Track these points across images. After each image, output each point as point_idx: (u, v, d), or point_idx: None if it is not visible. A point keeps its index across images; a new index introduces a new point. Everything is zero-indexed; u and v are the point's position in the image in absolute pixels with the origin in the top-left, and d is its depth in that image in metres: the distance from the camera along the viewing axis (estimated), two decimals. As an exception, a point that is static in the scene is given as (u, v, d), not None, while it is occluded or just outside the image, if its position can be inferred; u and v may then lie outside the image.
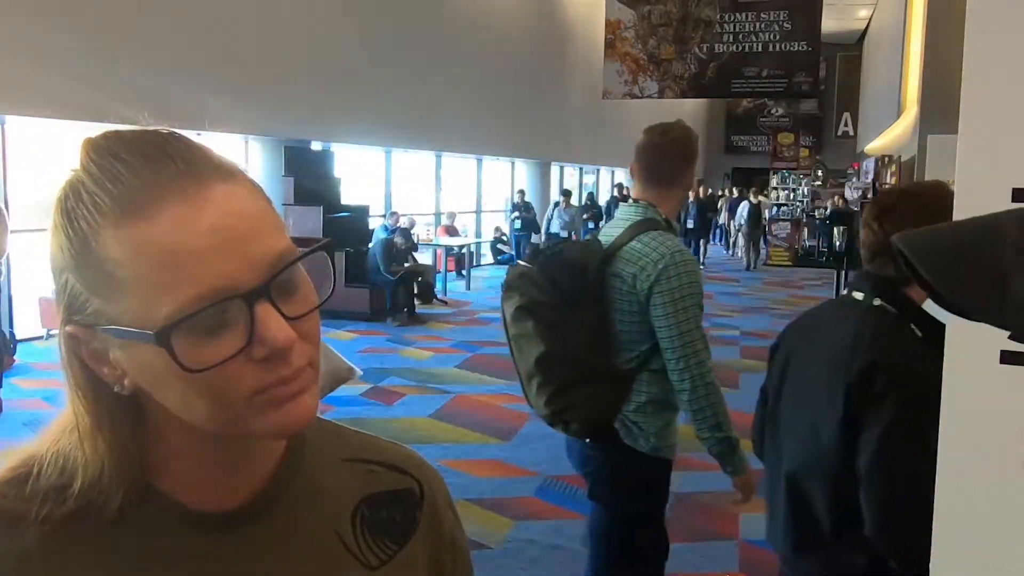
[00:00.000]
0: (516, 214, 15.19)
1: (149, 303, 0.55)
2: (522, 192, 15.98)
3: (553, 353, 2.16)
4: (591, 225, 16.47)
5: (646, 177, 2.34)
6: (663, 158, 2.33)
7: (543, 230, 14.63)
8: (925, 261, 0.35)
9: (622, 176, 22.72)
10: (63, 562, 0.62)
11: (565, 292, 2.19)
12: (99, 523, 0.62)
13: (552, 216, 14.14)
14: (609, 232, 2.33)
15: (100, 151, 0.59)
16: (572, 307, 2.18)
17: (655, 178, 2.33)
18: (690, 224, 15.79)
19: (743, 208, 17.93)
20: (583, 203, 17.66)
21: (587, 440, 2.32)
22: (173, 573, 0.64)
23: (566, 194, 14.57)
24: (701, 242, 17.23)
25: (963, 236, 0.35)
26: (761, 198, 19.29)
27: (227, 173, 0.60)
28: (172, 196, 0.56)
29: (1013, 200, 1.70)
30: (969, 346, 1.78)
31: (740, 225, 18.05)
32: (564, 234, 13.84)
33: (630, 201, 2.36)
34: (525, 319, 2.18)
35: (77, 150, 0.60)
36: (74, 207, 0.58)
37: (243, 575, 0.66)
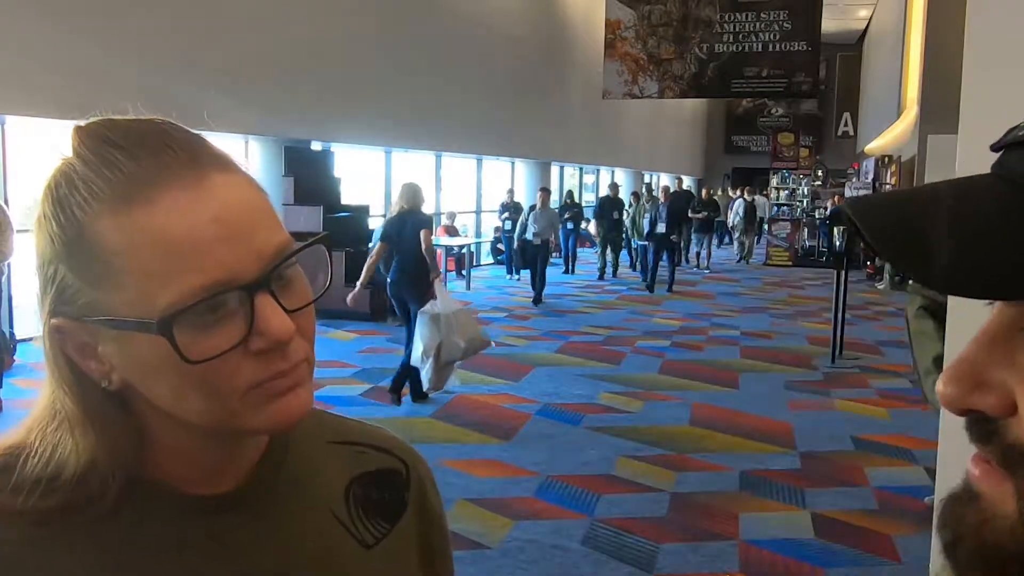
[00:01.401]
0: (506, 215, 14.66)
1: (147, 293, 0.54)
2: (511, 192, 15.61)
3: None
4: (570, 226, 15.11)
5: None
6: None
7: (517, 235, 12.80)
8: (865, 221, 0.37)
9: (622, 176, 22.73)
10: (54, 554, 0.60)
11: None
12: (91, 514, 0.60)
13: (528, 220, 12.28)
14: None
15: (94, 138, 0.57)
16: None
17: None
18: (661, 228, 12.93)
19: (738, 206, 19.52)
20: (562, 203, 15.93)
21: None
22: (169, 558, 0.63)
23: (544, 192, 12.56)
24: (665, 251, 13.38)
25: (903, 200, 0.38)
26: (756, 196, 20.72)
27: (225, 164, 0.59)
28: (172, 184, 0.55)
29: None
30: (969, 340, 1.78)
31: (735, 222, 19.43)
32: (538, 241, 11.90)
33: None
34: (926, 319, 2.36)
35: (67, 137, 0.58)
36: (66, 195, 0.56)
37: (242, 556, 0.65)
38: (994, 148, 0.40)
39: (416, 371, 5.96)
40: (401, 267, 6.30)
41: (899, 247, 0.37)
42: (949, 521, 0.40)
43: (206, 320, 0.55)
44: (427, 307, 5.71)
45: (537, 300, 11.68)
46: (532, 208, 12.58)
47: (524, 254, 12.56)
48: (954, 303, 1.97)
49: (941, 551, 0.40)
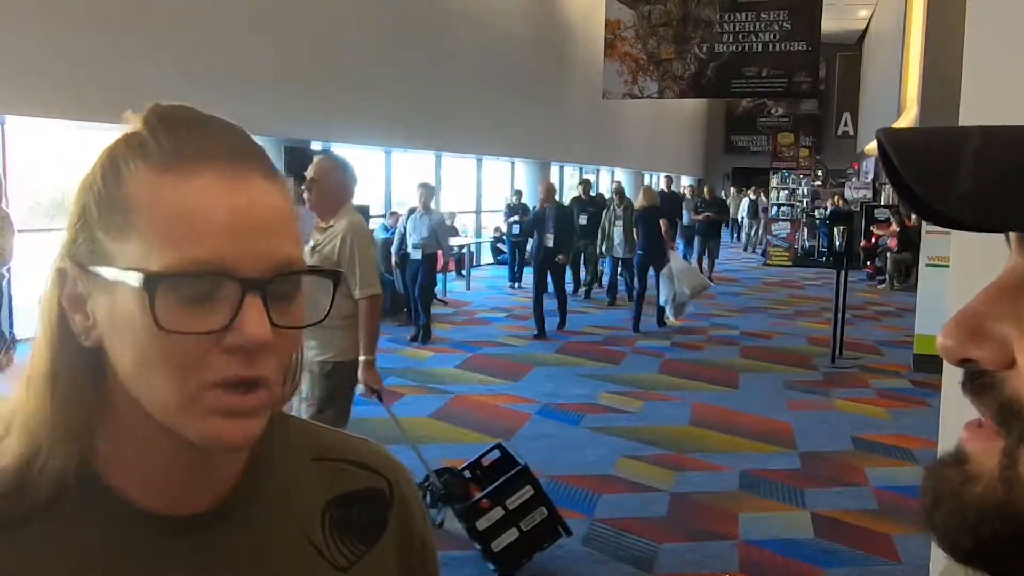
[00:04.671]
0: (515, 218, 13.27)
1: (150, 251, 0.56)
2: (519, 193, 15.10)
3: None
4: (515, 230, 12.96)
5: None
6: None
7: (394, 248, 9.64)
8: (894, 142, 0.38)
9: (622, 176, 22.72)
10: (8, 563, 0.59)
11: None
12: (34, 505, 0.59)
13: (407, 227, 9.06)
14: None
15: (167, 110, 0.61)
16: None
17: None
18: (549, 242, 9.66)
19: (744, 204, 22.43)
20: (509, 203, 13.78)
21: None
22: None
23: (425, 191, 8.85)
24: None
25: (933, 132, 0.39)
26: (761, 195, 22.69)
27: (270, 174, 0.62)
28: (213, 167, 0.58)
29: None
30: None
31: (742, 218, 22.56)
32: (418, 255, 8.76)
33: None
34: None
35: (143, 112, 0.62)
36: (123, 152, 0.59)
37: None
38: None
39: (661, 309, 9.62)
40: (648, 244, 9.65)
41: (924, 168, 0.37)
42: (931, 483, 0.39)
43: (193, 297, 0.56)
44: (664, 269, 9.24)
45: (424, 337, 8.78)
46: (411, 211, 9.23)
47: (403, 273, 9.38)
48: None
49: (922, 517, 0.39)
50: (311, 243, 3.62)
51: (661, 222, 9.64)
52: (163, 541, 0.63)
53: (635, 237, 10.37)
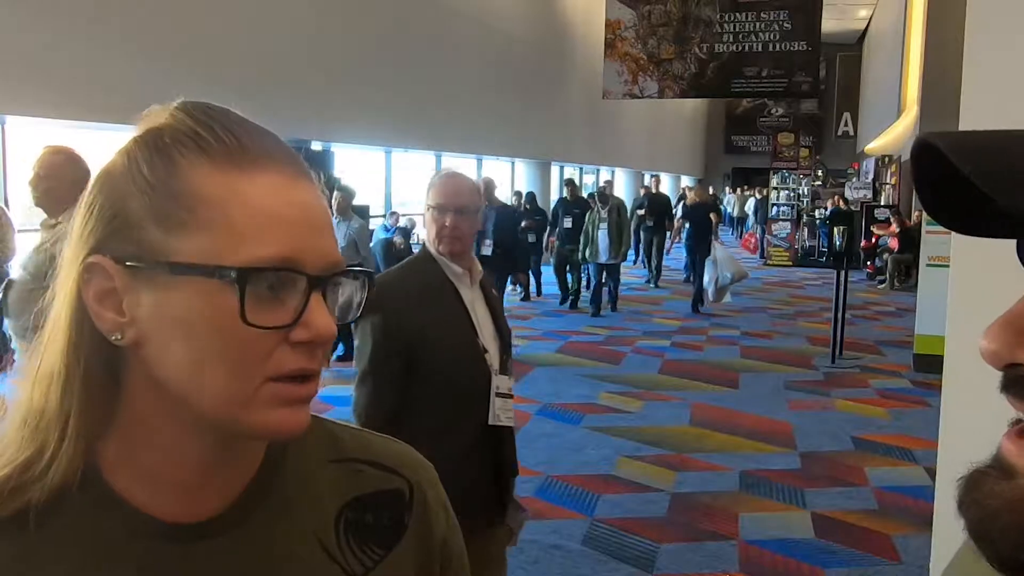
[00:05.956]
0: (525, 224, 11.48)
1: (226, 245, 0.55)
2: (518, 194, 14.17)
3: None
4: (531, 238, 11.45)
5: None
6: None
7: None
8: (951, 148, 0.37)
9: (622, 176, 22.72)
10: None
11: None
12: (34, 508, 0.58)
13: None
14: None
15: (214, 108, 0.61)
16: None
17: None
18: (487, 249, 8.53)
19: (751, 203, 23.91)
20: (523, 204, 12.31)
21: None
22: None
23: (343, 194, 7.81)
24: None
25: (979, 136, 0.39)
26: (764, 194, 23.60)
27: (315, 182, 0.63)
28: (273, 167, 0.59)
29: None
30: (970, 340, 1.78)
31: (748, 217, 23.91)
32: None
33: None
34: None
35: (173, 106, 0.61)
36: (169, 143, 0.58)
37: None
38: None
39: (702, 292, 10.72)
40: (695, 235, 11.30)
41: (984, 164, 0.36)
42: (978, 495, 0.39)
43: (263, 294, 0.56)
44: (709, 256, 10.29)
45: (347, 357, 7.77)
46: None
47: None
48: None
49: (966, 530, 0.39)
50: (38, 242, 3.34)
51: (712, 216, 11.60)
52: (170, 548, 0.61)
53: (643, 230, 12.23)
